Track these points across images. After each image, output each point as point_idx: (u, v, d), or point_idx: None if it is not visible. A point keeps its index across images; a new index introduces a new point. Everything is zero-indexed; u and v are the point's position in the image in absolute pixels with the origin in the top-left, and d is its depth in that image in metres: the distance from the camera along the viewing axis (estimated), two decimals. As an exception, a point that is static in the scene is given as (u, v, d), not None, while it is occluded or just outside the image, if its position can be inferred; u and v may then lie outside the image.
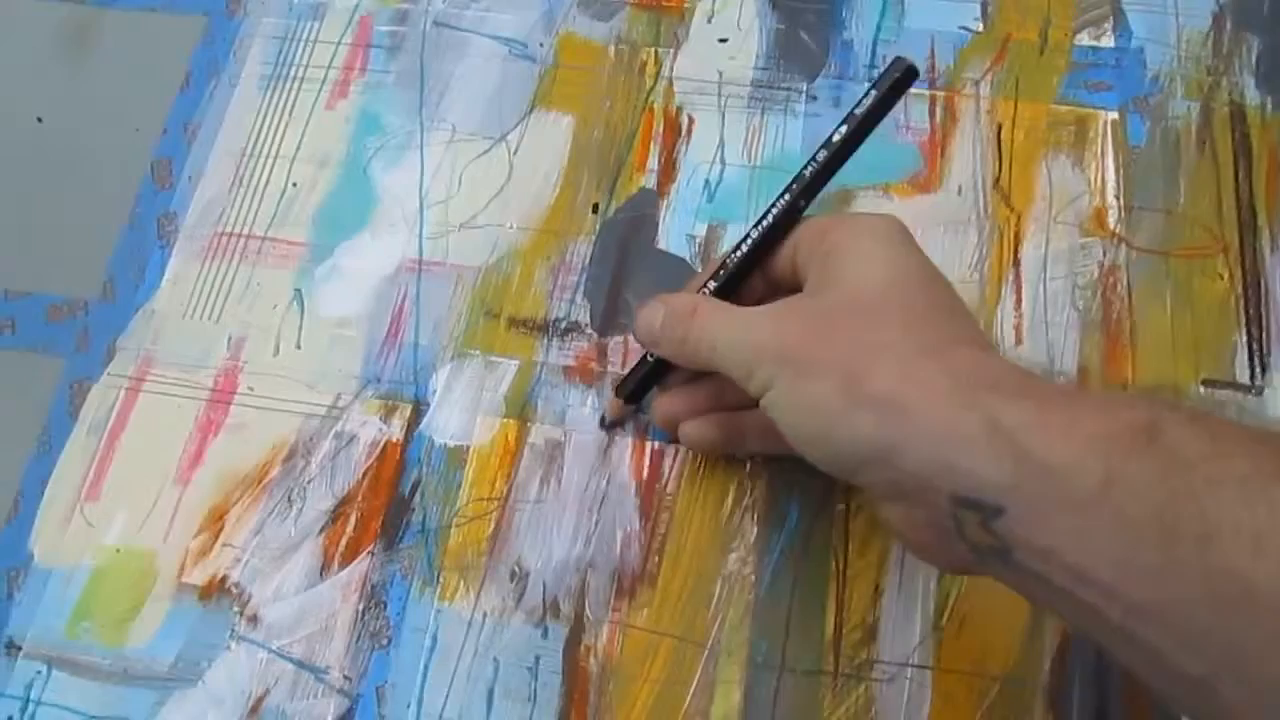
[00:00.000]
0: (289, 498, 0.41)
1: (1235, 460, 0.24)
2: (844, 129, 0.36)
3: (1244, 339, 0.42)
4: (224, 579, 0.39)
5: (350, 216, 0.46)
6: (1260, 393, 0.41)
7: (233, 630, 0.39)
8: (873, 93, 0.35)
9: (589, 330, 0.43)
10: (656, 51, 0.49)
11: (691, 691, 0.37)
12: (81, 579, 0.40)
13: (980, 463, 0.27)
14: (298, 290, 0.44)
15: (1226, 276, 0.43)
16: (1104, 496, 0.24)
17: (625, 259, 0.44)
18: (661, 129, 0.47)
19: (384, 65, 0.49)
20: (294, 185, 0.47)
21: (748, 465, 0.40)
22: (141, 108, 0.48)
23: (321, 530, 0.40)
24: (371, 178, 0.47)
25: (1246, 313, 0.42)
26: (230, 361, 0.43)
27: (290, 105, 0.48)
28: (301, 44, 0.50)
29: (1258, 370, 0.41)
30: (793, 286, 0.36)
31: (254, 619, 0.39)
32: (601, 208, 0.45)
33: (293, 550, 0.40)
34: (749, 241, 0.37)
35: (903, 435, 0.28)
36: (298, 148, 0.47)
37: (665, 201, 0.46)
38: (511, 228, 0.45)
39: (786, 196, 0.36)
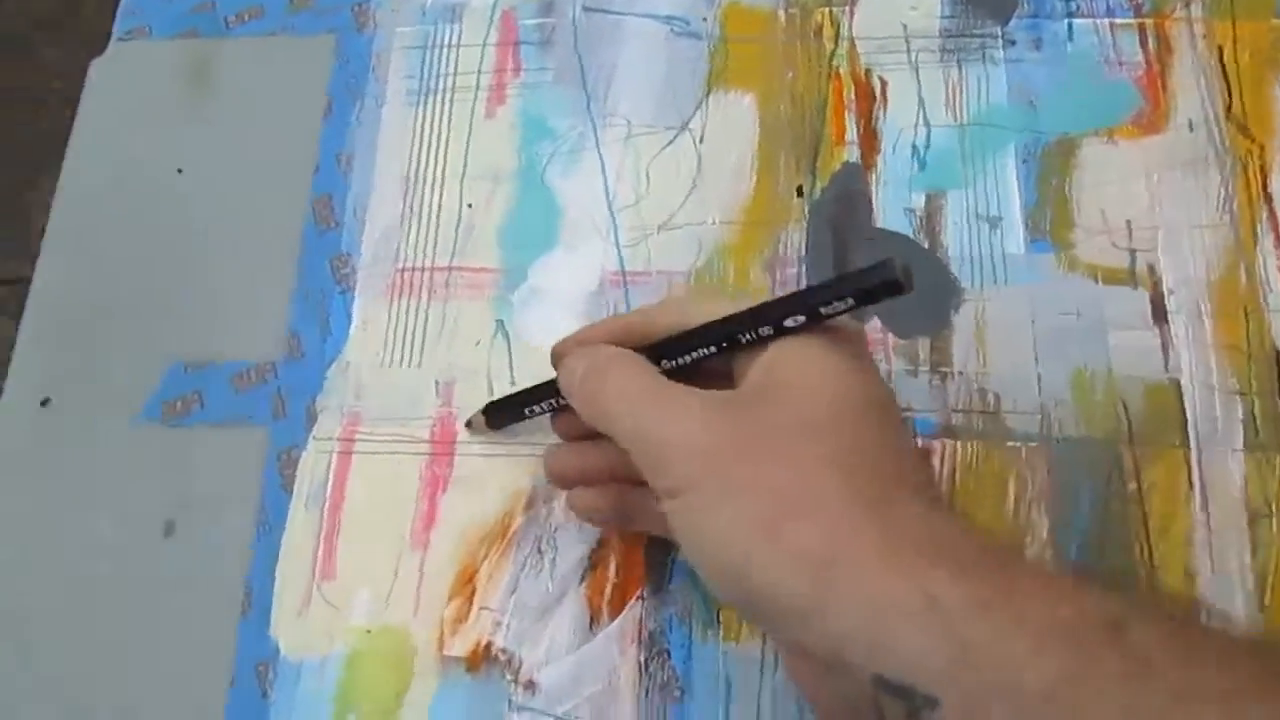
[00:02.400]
0: (539, 548, 0.38)
1: (1209, 671, 0.22)
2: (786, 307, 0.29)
3: None
4: (488, 646, 0.36)
5: (537, 233, 0.42)
6: None
7: (510, 701, 0.36)
8: (849, 299, 0.28)
9: (823, 326, 0.40)
10: (830, 11, 0.45)
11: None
12: (336, 667, 0.37)
13: (914, 645, 0.23)
14: (499, 321, 0.41)
15: None
16: (1055, 696, 0.22)
17: (844, 243, 0.41)
18: (854, 95, 0.43)
19: (539, 62, 0.45)
20: (469, 206, 0.43)
21: (1024, 452, 0.37)
22: (286, 142, 0.44)
23: (582, 580, 0.37)
24: (551, 187, 0.43)
25: None
26: (443, 408, 0.40)
27: (447, 119, 0.44)
28: (444, 50, 0.46)
29: None
30: (720, 373, 0.31)
31: (530, 685, 0.36)
32: (806, 190, 0.42)
33: (555, 605, 0.37)
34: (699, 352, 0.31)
35: (826, 598, 0.25)
36: (465, 164, 0.43)
37: (873, 174, 0.42)
38: (714, 224, 0.42)
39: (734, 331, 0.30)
